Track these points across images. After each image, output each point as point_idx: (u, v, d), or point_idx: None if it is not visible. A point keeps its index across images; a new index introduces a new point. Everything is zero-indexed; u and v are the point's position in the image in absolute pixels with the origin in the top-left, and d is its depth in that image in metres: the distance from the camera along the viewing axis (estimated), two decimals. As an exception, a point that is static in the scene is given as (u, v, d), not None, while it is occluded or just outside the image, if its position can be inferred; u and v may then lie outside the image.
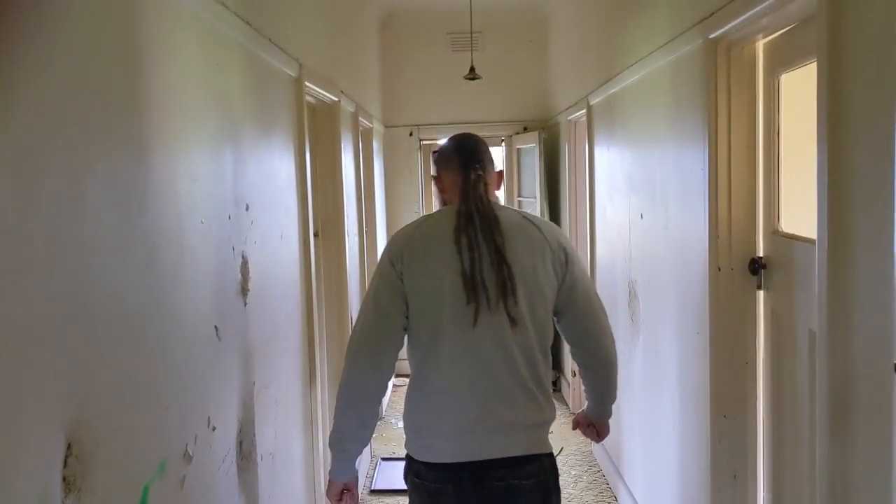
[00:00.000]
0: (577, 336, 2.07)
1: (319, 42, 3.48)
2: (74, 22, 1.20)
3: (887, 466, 1.41)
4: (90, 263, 1.21)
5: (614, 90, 3.73)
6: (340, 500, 2.02)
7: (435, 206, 2.27)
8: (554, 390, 5.75)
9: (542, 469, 1.95)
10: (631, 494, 3.67)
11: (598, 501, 4.02)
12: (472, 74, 5.05)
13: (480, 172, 1.98)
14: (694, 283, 2.59)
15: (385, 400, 5.57)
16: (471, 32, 5.47)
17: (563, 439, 4.82)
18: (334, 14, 3.97)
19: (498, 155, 6.75)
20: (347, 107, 4.15)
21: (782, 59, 2.21)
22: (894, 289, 1.36)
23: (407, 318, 1.93)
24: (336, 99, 3.68)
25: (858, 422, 1.53)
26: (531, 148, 6.02)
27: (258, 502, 2.19)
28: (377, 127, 5.71)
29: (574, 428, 2.30)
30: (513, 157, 6.52)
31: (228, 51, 2.05)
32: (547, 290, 1.94)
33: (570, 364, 5.43)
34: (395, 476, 4.24)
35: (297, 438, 2.77)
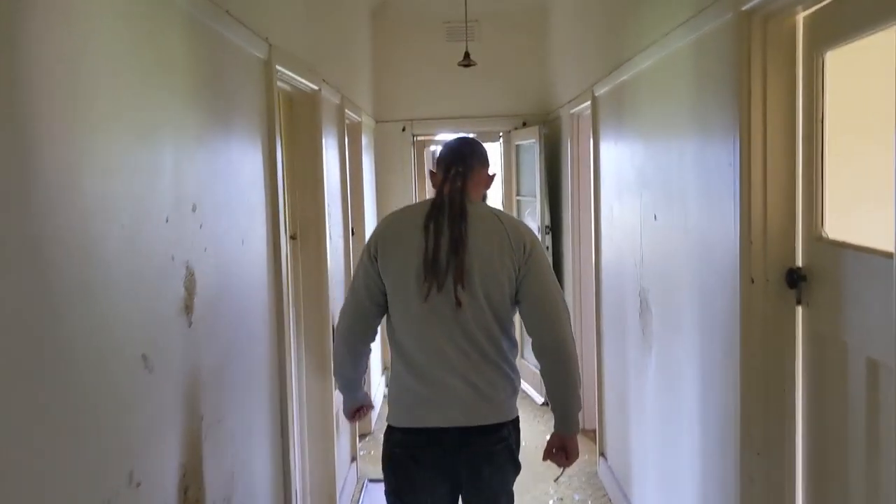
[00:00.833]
0: (531, 323, 2.17)
1: (297, 23, 3.13)
2: None
3: None
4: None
5: (623, 78, 3.39)
6: (355, 416, 2.48)
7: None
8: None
9: (509, 434, 2.17)
10: (641, 524, 3.33)
11: (603, 529, 3.68)
12: (467, 61, 4.70)
13: (460, 169, 2.21)
14: (720, 296, 2.25)
15: (375, 412, 5.22)
16: (466, 21, 5.11)
17: (564, 457, 4.48)
18: (316, -5, 3.63)
19: (496, 152, 6.41)
20: (331, 98, 3.80)
21: (827, 34, 1.87)
22: None
23: (385, 297, 2.17)
24: (316, 88, 3.33)
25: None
26: (531, 144, 5.66)
27: (208, 558, 1.84)
28: (367, 121, 5.35)
29: (544, 459, 2.28)
30: (511, 153, 6.15)
31: (168, 20, 1.70)
32: (503, 278, 2.11)
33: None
34: (382, 500, 3.89)
35: (264, 472, 2.42)
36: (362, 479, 4.24)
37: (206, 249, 1.87)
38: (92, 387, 1.28)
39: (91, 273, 1.29)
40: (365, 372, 2.39)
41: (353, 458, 4.24)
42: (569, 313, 2.18)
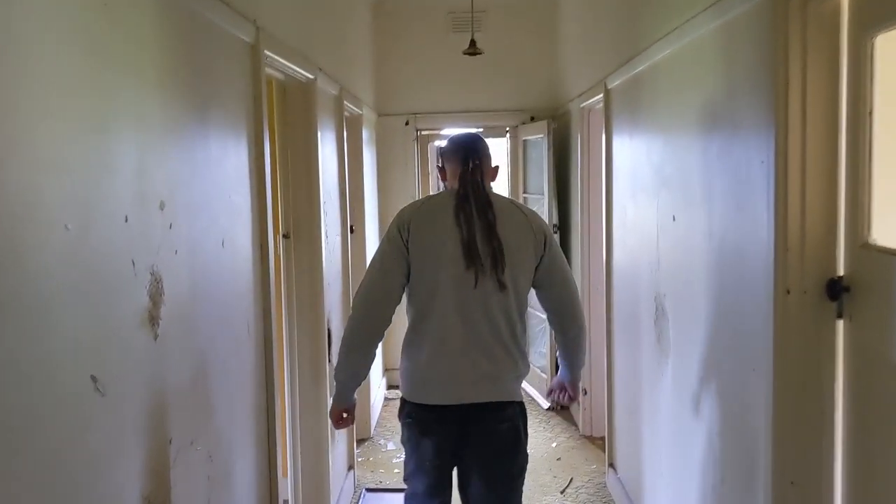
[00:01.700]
0: (553, 304, 2.41)
1: (290, 7, 2.92)
2: None
3: None
4: None
5: (639, 69, 3.17)
6: (340, 421, 2.42)
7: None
8: (562, 408, 5.27)
9: (515, 414, 2.31)
10: (654, 545, 3.12)
11: (613, 547, 3.48)
12: (473, 49, 4.47)
13: (477, 162, 2.33)
14: (748, 306, 2.04)
15: (375, 416, 5.03)
16: (472, 11, 4.89)
17: (572, 468, 4.28)
18: (313, -21, 3.42)
19: (502, 147, 6.19)
20: (328, 88, 3.59)
21: (877, 15, 1.65)
22: None
23: (407, 279, 2.27)
24: (311, 77, 3.12)
25: None
26: (539, 139, 5.44)
27: None
28: (368, 114, 5.14)
29: (548, 395, 2.61)
30: (518, 149, 5.93)
31: (132, -8, 1.50)
32: (527, 265, 2.29)
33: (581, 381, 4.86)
34: (379, 512, 3.71)
35: (246, 492, 2.22)
36: (360, 489, 4.04)
37: (176, 252, 1.66)
38: (25, 417, 1.08)
39: (23, 284, 1.09)
40: (369, 369, 2.42)
41: (351, 467, 4.05)
42: (578, 292, 2.45)
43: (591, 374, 4.81)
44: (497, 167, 2.46)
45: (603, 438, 4.70)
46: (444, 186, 2.46)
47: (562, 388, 2.56)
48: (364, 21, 5.26)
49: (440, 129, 6.10)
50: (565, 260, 2.41)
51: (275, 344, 2.45)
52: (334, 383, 2.39)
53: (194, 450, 1.76)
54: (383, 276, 2.26)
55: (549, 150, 5.20)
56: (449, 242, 2.22)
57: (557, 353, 2.57)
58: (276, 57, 2.55)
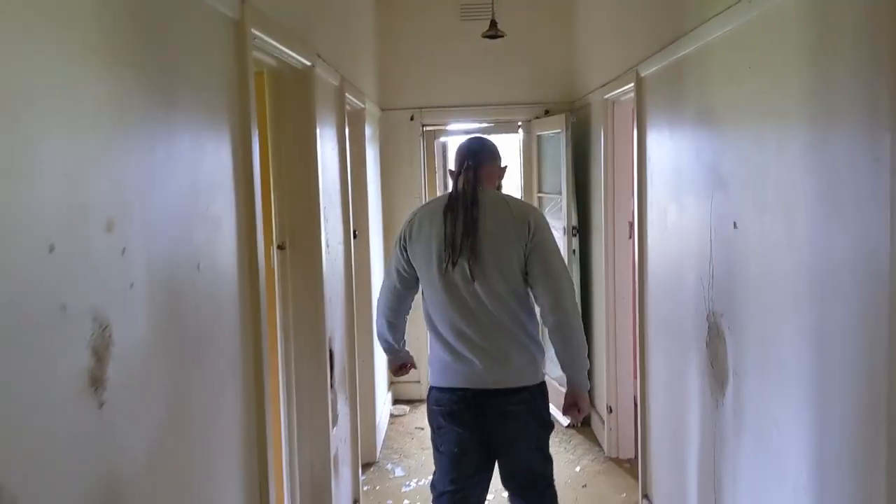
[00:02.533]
0: (537, 293, 2.43)
1: (284, -17, 2.51)
2: None
3: None
4: None
5: (683, 53, 2.77)
6: (399, 371, 2.75)
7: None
8: (583, 425, 4.88)
9: (530, 397, 2.43)
10: None
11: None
12: (494, 31, 4.03)
13: (471, 163, 2.49)
14: (852, 335, 1.64)
15: (380, 437, 4.62)
16: (485, -6, 4.47)
17: (600, 498, 3.86)
18: (310, -45, 3.00)
19: (514, 144, 5.78)
20: (328, 78, 3.19)
21: None
22: None
23: (416, 277, 2.54)
24: (309, 64, 2.72)
25: None
26: (555, 135, 5.03)
27: None
28: (371, 108, 4.73)
29: (564, 412, 2.53)
30: (532, 145, 5.51)
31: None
32: (513, 253, 2.39)
33: (605, 399, 4.47)
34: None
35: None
36: (366, 524, 3.65)
37: (132, 286, 1.26)
38: None
39: None
40: (403, 337, 2.73)
41: (356, 501, 3.65)
42: (573, 285, 2.46)
43: (617, 391, 4.41)
44: (505, 167, 2.61)
45: (630, 461, 4.32)
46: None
47: (571, 405, 2.53)
48: (366, 6, 4.85)
49: (447, 123, 5.67)
50: (558, 251, 2.46)
51: (268, 380, 2.05)
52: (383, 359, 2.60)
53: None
54: (388, 279, 2.64)
55: (566, 146, 4.79)
56: (435, 241, 2.42)
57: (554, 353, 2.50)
58: (266, 38, 2.15)
